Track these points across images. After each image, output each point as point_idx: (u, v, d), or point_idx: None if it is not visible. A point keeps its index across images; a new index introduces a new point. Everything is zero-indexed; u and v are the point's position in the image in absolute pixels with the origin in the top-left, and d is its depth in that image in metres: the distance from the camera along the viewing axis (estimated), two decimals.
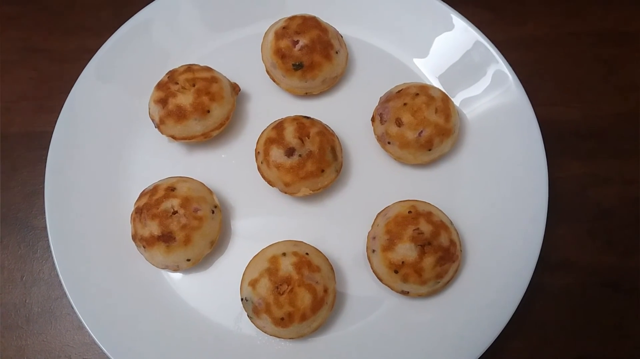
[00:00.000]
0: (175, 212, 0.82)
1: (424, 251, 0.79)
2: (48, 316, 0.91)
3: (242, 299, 0.80)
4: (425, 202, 0.87)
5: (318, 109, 0.96)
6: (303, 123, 0.87)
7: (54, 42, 1.09)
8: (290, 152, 0.85)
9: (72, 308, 0.82)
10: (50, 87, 1.05)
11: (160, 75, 0.94)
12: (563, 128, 1.01)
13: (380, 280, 0.83)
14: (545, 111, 0.97)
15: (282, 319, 0.76)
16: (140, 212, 0.83)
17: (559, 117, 1.02)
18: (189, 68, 0.92)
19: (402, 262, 0.80)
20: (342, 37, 0.99)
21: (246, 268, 0.83)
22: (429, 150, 0.88)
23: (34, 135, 1.01)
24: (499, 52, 0.96)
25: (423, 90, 0.89)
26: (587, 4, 1.11)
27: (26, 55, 1.08)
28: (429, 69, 0.99)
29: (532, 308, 0.89)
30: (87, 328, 0.81)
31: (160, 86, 0.91)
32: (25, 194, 0.98)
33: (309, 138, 0.86)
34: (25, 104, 1.04)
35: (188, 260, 0.83)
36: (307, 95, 0.97)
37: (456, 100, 0.95)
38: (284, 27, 0.94)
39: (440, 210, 0.86)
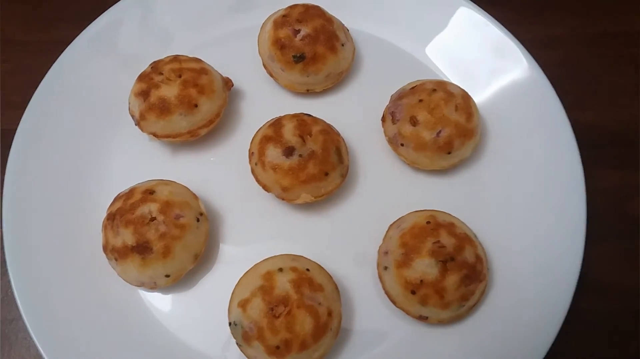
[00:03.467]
0: (153, 219, 0.71)
1: (446, 268, 0.69)
2: (2, 341, 0.80)
3: (230, 324, 0.70)
4: (445, 212, 0.77)
5: (321, 108, 0.86)
6: (304, 120, 0.78)
7: (30, 34, 1.02)
8: (289, 151, 0.75)
9: (29, 332, 0.72)
10: (23, 81, 0.96)
11: (144, 68, 0.85)
12: (595, 135, 0.93)
13: (394, 302, 0.74)
14: (575, 115, 0.87)
15: (278, 348, 0.66)
16: (113, 218, 0.73)
17: (590, 122, 0.93)
18: (176, 58, 0.84)
19: (421, 281, 0.69)
20: (348, 30, 0.90)
21: (236, 286, 0.73)
22: (448, 153, 0.79)
23: None
24: (523, 49, 0.88)
25: (441, 86, 0.81)
26: (617, 3, 1.04)
27: None
28: (446, 66, 0.91)
29: (568, 338, 0.77)
30: (45, 357, 0.71)
31: (142, 77, 0.83)
32: None
33: (310, 136, 0.77)
34: None
35: (167, 276, 0.73)
36: (308, 92, 0.89)
37: (477, 102, 0.85)
38: (284, 16, 0.86)
39: (462, 222, 0.76)
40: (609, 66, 0.99)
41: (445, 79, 0.89)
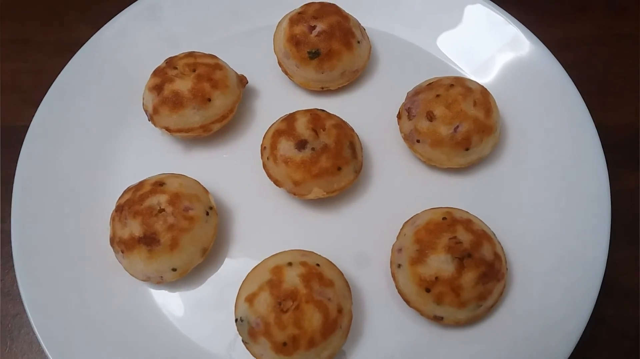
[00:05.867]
0: (161, 210, 0.70)
1: (462, 265, 0.66)
2: (3, 335, 0.78)
3: (236, 320, 0.67)
4: (463, 210, 0.73)
5: (336, 106, 0.84)
6: (318, 115, 0.77)
7: (49, 34, 1.03)
8: (301, 144, 0.73)
9: (32, 327, 0.69)
10: (39, 80, 0.94)
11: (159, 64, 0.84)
12: (618, 135, 0.90)
13: (407, 302, 0.70)
14: (597, 116, 0.84)
15: (285, 344, 0.63)
16: (121, 210, 0.71)
17: (613, 123, 0.91)
18: (191, 54, 0.83)
19: (436, 278, 0.66)
20: (364, 29, 0.89)
21: (243, 281, 0.70)
22: (466, 149, 0.76)
23: (14, 129, 0.91)
24: (544, 46, 0.86)
25: (459, 82, 0.79)
26: (638, 5, 1.02)
27: (18, 47, 1.01)
28: (464, 64, 0.90)
29: (590, 345, 0.74)
30: (47, 352, 0.68)
31: (156, 72, 0.82)
32: None
33: (324, 130, 0.75)
34: (10, 96, 0.96)
35: (174, 270, 0.71)
36: (323, 90, 0.87)
37: (496, 100, 0.82)
38: (299, 13, 0.86)
39: (480, 220, 0.72)
40: (632, 66, 0.96)
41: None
